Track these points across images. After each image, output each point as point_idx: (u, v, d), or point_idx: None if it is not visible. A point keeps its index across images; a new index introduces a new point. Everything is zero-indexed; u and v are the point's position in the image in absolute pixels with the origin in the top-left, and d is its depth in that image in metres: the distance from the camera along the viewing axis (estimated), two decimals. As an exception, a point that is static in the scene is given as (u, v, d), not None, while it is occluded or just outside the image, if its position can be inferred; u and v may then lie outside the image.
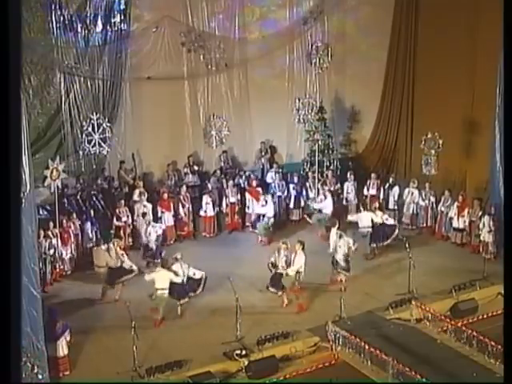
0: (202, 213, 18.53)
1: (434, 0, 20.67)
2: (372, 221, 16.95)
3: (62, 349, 12.07)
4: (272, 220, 18.14)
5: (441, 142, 18.37)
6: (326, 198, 18.49)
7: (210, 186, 19.03)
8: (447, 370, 12.03)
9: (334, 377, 11.91)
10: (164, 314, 14.04)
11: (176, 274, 14.06)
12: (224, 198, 18.83)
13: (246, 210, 18.91)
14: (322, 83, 21.74)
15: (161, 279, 13.96)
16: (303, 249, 14.62)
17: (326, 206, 18.41)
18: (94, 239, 16.77)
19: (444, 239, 18.17)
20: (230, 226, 18.90)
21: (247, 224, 18.84)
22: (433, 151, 18.57)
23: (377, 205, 17.91)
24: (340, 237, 15.53)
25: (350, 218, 17.76)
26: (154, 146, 19.80)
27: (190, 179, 19.69)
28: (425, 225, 18.76)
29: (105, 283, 14.93)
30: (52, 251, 15.55)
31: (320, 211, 18.34)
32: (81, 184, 18.31)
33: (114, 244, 15.07)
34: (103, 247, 15.23)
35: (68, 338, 12.19)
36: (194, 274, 14.38)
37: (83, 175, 18.66)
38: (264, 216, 18.06)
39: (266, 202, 18.19)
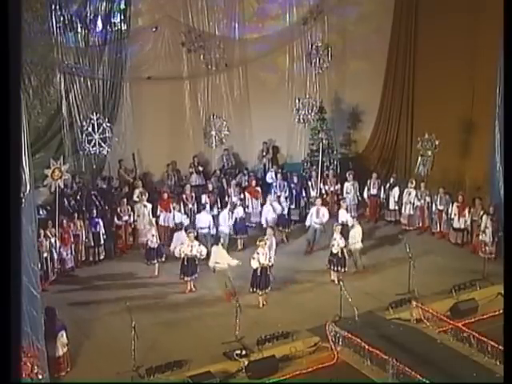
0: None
1: (433, 0, 20.69)
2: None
3: (61, 347, 12.04)
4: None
5: (437, 142, 18.42)
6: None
7: (209, 186, 19.02)
8: (447, 370, 12.02)
9: (334, 377, 11.93)
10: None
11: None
12: (226, 198, 18.77)
13: (246, 209, 18.89)
14: (322, 83, 21.76)
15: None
16: None
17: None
18: (94, 239, 16.82)
19: (442, 237, 18.20)
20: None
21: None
22: (429, 152, 18.60)
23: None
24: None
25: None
26: (154, 146, 19.80)
27: (194, 179, 19.69)
28: (421, 225, 18.78)
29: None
30: (52, 251, 15.58)
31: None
32: (77, 184, 18.31)
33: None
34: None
35: (65, 337, 12.15)
36: None
37: (82, 175, 18.68)
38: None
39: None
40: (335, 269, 15.54)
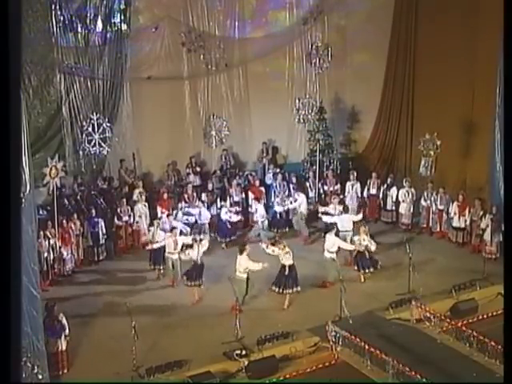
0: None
1: (433, 0, 20.69)
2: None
3: (61, 345, 12.05)
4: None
5: (438, 142, 18.41)
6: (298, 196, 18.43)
7: (209, 186, 19.02)
8: (447, 370, 12.03)
9: (334, 377, 11.94)
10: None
11: None
12: (228, 198, 18.75)
13: (249, 209, 18.88)
14: (322, 83, 21.74)
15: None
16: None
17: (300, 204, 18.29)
18: (93, 239, 16.80)
19: (442, 237, 18.20)
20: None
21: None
22: (432, 152, 18.59)
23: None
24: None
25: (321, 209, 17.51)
26: (154, 145, 19.80)
27: (191, 180, 19.69)
28: (426, 225, 18.77)
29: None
30: (52, 251, 15.58)
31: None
32: (78, 184, 18.31)
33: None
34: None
35: (66, 335, 12.16)
36: None
37: (83, 175, 18.68)
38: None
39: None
40: (363, 271, 15.69)
